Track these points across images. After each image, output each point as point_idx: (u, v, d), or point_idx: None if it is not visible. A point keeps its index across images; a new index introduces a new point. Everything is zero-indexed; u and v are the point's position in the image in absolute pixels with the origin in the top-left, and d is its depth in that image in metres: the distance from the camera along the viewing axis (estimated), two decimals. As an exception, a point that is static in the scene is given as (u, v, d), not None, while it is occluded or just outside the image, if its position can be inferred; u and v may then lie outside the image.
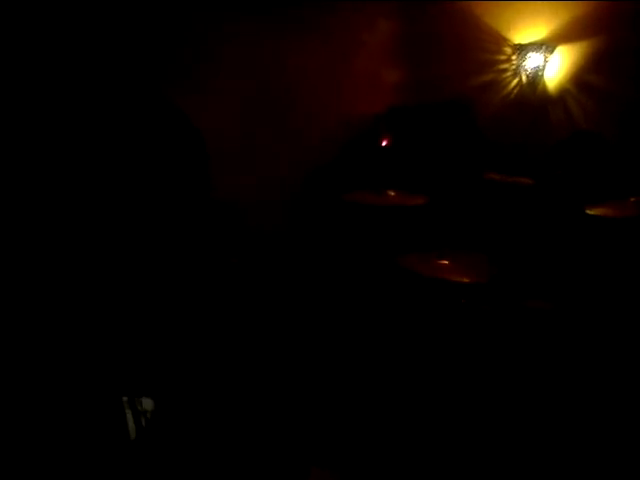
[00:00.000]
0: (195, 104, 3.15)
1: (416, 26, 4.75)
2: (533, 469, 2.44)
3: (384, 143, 4.51)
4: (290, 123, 3.99)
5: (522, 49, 4.60)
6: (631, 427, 2.52)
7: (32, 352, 2.24)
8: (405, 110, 4.61)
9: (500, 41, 4.71)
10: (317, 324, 3.33)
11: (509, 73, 4.74)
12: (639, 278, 3.21)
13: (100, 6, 3.04)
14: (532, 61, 4.57)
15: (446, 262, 2.95)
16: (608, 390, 2.69)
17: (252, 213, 3.63)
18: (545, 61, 4.56)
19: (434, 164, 4.25)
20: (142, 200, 2.51)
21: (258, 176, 3.74)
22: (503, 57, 4.74)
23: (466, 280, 2.98)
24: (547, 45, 4.54)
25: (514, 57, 4.69)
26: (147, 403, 2.27)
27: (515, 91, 4.74)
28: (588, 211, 3.30)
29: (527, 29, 4.61)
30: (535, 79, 4.61)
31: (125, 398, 2.32)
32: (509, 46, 4.70)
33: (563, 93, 4.61)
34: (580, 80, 4.54)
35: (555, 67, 4.60)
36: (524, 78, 4.65)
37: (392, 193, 3.67)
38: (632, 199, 3.27)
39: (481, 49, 4.74)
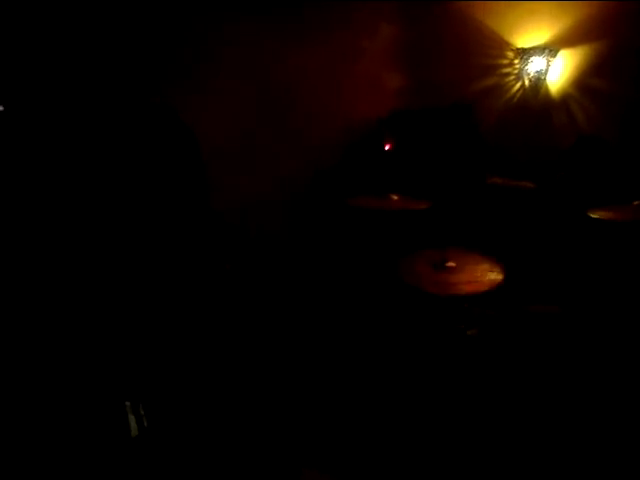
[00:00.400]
0: (195, 104, 3.15)
1: (417, 29, 4.75)
2: (539, 473, 2.40)
3: (387, 147, 4.49)
4: (290, 123, 3.97)
5: (524, 53, 4.59)
6: (636, 428, 2.49)
7: (32, 353, 2.21)
8: (408, 114, 4.59)
9: (502, 45, 4.70)
10: (316, 326, 3.30)
11: (511, 77, 4.73)
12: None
13: (100, 6, 3.02)
14: (535, 65, 4.55)
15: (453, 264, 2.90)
16: (613, 393, 2.65)
17: (252, 213, 3.61)
18: (548, 65, 4.54)
19: (437, 168, 4.23)
20: (137, 208, 2.48)
21: (258, 176, 3.72)
22: (505, 61, 4.73)
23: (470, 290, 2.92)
24: (550, 49, 4.52)
25: (516, 61, 4.67)
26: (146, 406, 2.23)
27: (518, 95, 4.72)
28: (591, 214, 3.27)
29: (529, 33, 4.59)
30: (538, 83, 4.59)
31: (128, 403, 2.29)
32: (511, 50, 4.69)
33: (565, 97, 4.59)
34: (583, 83, 4.52)
35: (558, 71, 4.58)
36: (526, 82, 4.64)
37: (395, 197, 3.65)
38: (635, 202, 3.24)
39: (483, 53, 4.73)
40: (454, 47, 4.71)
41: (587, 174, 3.93)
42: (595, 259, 3.43)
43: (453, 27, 4.71)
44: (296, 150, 3.97)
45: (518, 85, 4.71)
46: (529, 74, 4.59)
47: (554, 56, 4.53)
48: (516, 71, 4.69)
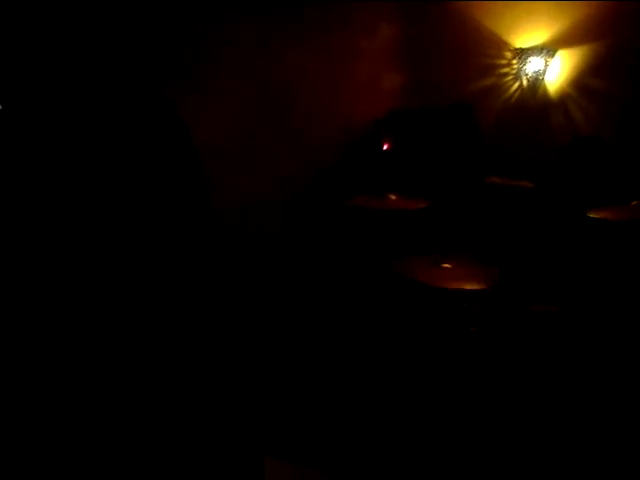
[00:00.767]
0: (195, 104, 3.15)
1: (416, 29, 4.76)
2: (538, 473, 2.41)
3: (385, 147, 4.50)
4: (290, 123, 3.97)
5: (523, 53, 4.60)
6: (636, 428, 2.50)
7: (32, 354, 2.21)
8: (406, 114, 4.60)
9: (501, 45, 4.72)
10: (316, 324, 3.30)
11: (510, 77, 4.74)
12: (641, 281, 3.19)
13: (101, 6, 3.02)
14: (533, 65, 4.57)
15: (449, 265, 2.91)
16: (613, 393, 2.66)
17: (252, 213, 3.61)
18: (546, 65, 4.56)
19: (435, 168, 4.23)
20: (134, 209, 2.48)
21: (258, 176, 3.72)
22: (504, 61, 4.75)
23: (468, 287, 2.94)
24: (548, 49, 4.53)
25: (515, 61, 4.69)
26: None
27: (516, 95, 4.73)
28: (589, 214, 3.29)
29: (528, 33, 4.61)
30: (536, 83, 4.61)
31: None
32: (510, 50, 4.70)
33: (564, 97, 4.60)
34: (581, 83, 4.54)
35: (556, 71, 4.59)
36: (525, 82, 4.65)
37: (393, 197, 3.65)
38: (633, 202, 3.25)
39: (482, 53, 4.74)
40: (453, 47, 4.73)
41: (586, 174, 3.94)
42: (594, 259, 3.44)
43: (452, 27, 4.72)
44: (296, 150, 3.97)
45: (516, 85, 4.72)
46: (527, 74, 4.61)
47: (552, 56, 4.54)
48: (514, 71, 4.71)
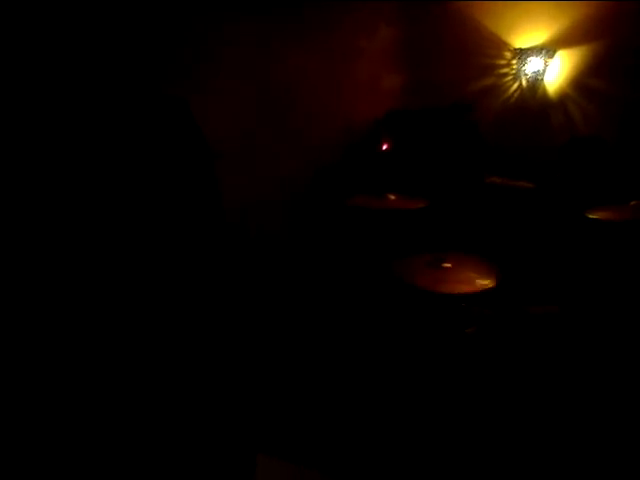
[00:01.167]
0: (195, 104, 3.15)
1: (416, 29, 4.76)
2: (538, 473, 2.41)
3: (384, 147, 4.50)
4: (290, 123, 3.97)
5: (522, 53, 4.61)
6: (636, 428, 2.50)
7: (32, 353, 2.21)
8: (406, 114, 4.60)
9: (500, 45, 4.72)
10: (315, 325, 3.30)
11: (509, 77, 4.75)
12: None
13: (101, 6, 3.02)
14: (532, 65, 4.58)
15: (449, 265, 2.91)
16: (613, 393, 2.66)
17: (252, 213, 3.61)
18: (545, 65, 4.56)
19: (435, 168, 4.24)
20: (143, 205, 2.48)
21: (258, 176, 3.72)
22: (503, 61, 4.75)
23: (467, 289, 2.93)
24: (547, 49, 4.54)
25: (514, 61, 4.69)
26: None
27: (515, 95, 4.74)
28: (589, 215, 3.29)
29: (527, 33, 4.61)
30: (535, 83, 4.61)
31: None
32: (509, 50, 4.71)
33: (563, 97, 4.60)
34: (580, 83, 4.54)
35: (555, 71, 4.60)
36: (524, 82, 4.66)
37: (393, 197, 3.66)
38: (632, 202, 3.25)
39: (482, 53, 4.75)
40: (453, 47, 4.73)
41: (585, 174, 3.94)
42: (594, 259, 3.44)
43: (452, 27, 4.72)
44: (296, 150, 3.98)
45: (516, 85, 4.73)
46: (527, 74, 4.61)
47: (552, 56, 4.55)
48: (514, 71, 4.71)
